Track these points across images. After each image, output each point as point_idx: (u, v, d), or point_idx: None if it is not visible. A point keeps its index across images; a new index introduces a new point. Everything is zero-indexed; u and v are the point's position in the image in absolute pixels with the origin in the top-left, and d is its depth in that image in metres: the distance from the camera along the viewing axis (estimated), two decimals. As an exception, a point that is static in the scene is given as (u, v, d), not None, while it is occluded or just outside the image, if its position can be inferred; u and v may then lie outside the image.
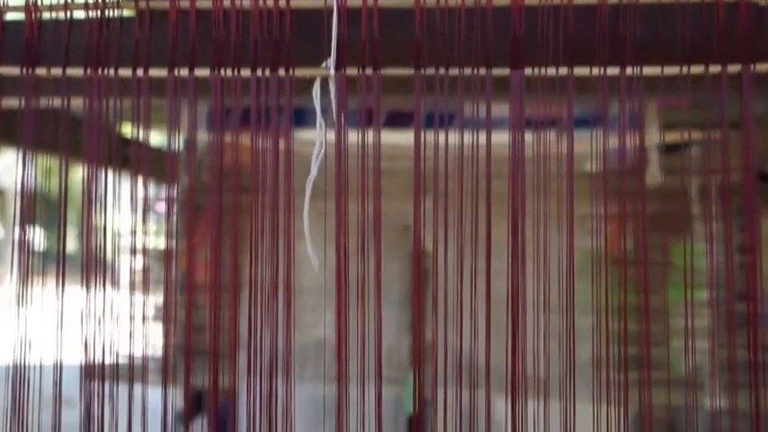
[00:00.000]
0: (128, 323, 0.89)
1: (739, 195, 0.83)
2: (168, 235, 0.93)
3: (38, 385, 0.89)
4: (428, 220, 0.82)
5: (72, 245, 0.90)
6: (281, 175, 0.84)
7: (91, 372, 0.87)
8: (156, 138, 1.16)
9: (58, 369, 0.88)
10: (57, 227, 0.89)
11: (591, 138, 0.84)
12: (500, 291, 0.80)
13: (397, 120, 1.22)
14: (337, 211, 0.80)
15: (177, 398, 0.86)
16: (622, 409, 0.82)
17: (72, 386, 0.89)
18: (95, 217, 0.88)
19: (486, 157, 0.80)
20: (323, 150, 0.82)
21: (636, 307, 0.83)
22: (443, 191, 0.80)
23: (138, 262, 0.93)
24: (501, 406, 0.82)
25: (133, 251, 0.91)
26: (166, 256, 0.90)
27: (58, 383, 0.88)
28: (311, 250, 0.81)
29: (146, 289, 0.90)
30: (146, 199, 0.93)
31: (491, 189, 0.79)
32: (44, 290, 0.91)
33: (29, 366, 0.88)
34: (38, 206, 0.91)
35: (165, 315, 0.89)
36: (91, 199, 0.88)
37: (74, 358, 0.89)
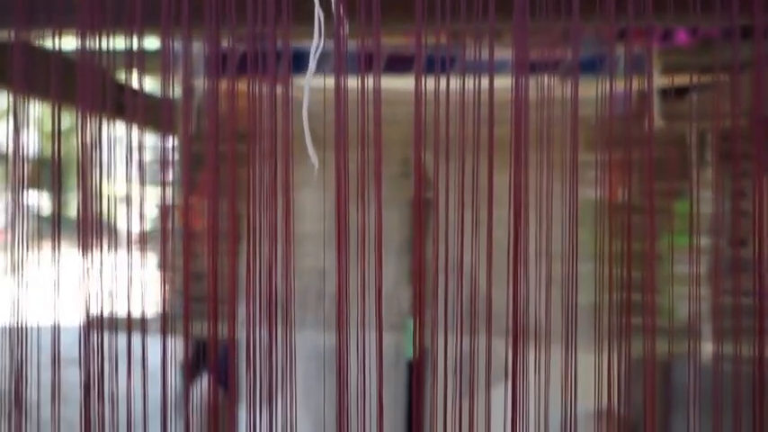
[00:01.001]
0: (126, 272, 0.89)
1: (739, 141, 0.82)
2: (164, 184, 0.92)
3: (40, 346, 0.89)
4: (429, 167, 0.81)
5: (73, 207, 0.89)
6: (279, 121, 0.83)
7: (91, 325, 0.87)
8: (152, 85, 1.14)
9: (57, 329, 0.88)
10: (51, 179, 0.88)
11: (594, 82, 0.83)
12: (501, 239, 0.80)
13: (397, 65, 1.21)
14: (336, 153, 0.79)
15: (178, 349, 0.86)
16: (624, 353, 0.83)
17: (72, 347, 0.89)
18: (90, 165, 0.87)
19: (488, 101, 0.78)
20: (320, 47, 0.79)
21: (637, 254, 0.83)
22: (444, 137, 0.79)
23: (137, 214, 0.92)
24: (502, 352, 0.82)
25: (130, 201, 0.90)
26: (163, 204, 0.89)
27: (57, 334, 0.88)
28: (311, 149, 0.80)
29: (144, 241, 0.90)
30: (142, 148, 0.92)
31: (493, 135, 0.79)
32: (45, 252, 0.91)
33: (30, 328, 0.88)
34: (40, 170, 0.90)
35: (163, 263, 0.88)
36: (85, 148, 0.87)
37: (74, 319, 0.88)
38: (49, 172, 0.89)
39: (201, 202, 0.85)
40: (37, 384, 0.89)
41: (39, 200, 0.93)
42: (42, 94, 0.88)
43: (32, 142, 0.93)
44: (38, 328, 0.91)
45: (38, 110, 0.92)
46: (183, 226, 0.89)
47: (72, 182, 0.90)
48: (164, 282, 0.92)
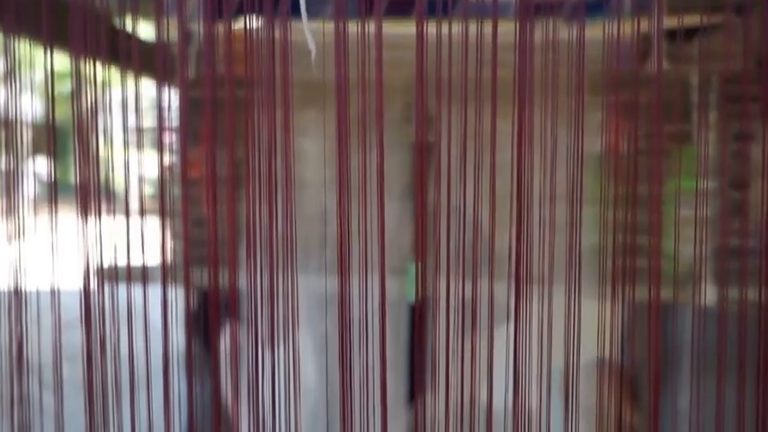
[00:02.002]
0: (125, 220, 0.88)
1: (747, 84, 0.81)
2: (162, 130, 0.91)
3: (40, 309, 0.89)
4: (431, 111, 0.80)
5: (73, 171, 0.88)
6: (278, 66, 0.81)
7: (94, 275, 0.87)
8: (149, 30, 1.12)
9: (58, 292, 0.88)
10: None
11: (600, 24, 0.81)
12: (504, 183, 0.79)
13: (398, 7, 1.18)
14: (338, 97, 0.78)
15: (179, 300, 0.86)
16: (628, 297, 0.83)
17: (74, 310, 0.89)
18: (87, 105, 0.86)
19: (491, 44, 0.77)
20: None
21: (641, 197, 0.83)
22: (446, 81, 0.78)
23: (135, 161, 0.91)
24: (503, 296, 0.82)
25: (128, 146, 0.89)
26: (160, 149, 0.88)
27: (58, 295, 0.88)
28: (309, 35, 0.79)
29: (143, 185, 0.89)
30: (138, 95, 0.90)
31: (496, 78, 0.77)
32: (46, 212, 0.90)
33: (31, 292, 0.88)
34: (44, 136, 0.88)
35: (161, 208, 0.88)
36: (80, 91, 0.85)
37: (76, 281, 0.88)
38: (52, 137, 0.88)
39: (202, 149, 0.84)
40: (38, 347, 0.89)
41: (42, 166, 0.92)
42: (34, 35, 0.86)
43: (34, 107, 0.92)
44: (38, 292, 0.91)
45: (38, 74, 0.90)
46: (181, 173, 0.88)
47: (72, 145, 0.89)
48: (163, 228, 0.91)
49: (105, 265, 0.87)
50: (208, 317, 0.83)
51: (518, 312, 0.80)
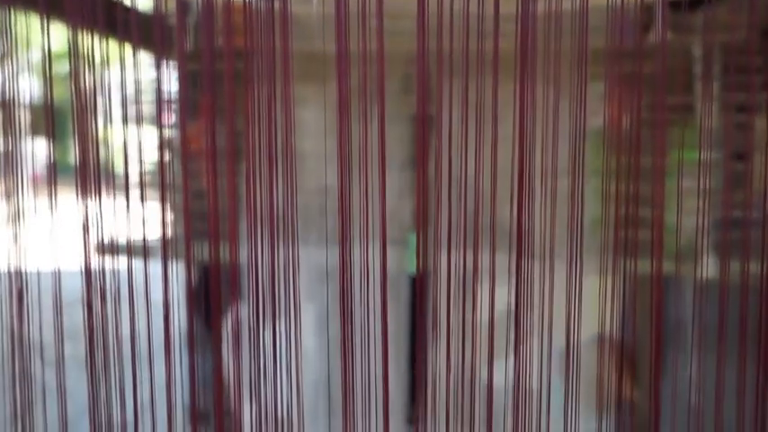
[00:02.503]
0: (125, 195, 0.88)
1: (752, 55, 0.80)
2: (160, 102, 0.90)
3: (41, 290, 0.89)
4: (432, 81, 0.79)
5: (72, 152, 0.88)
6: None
7: (96, 250, 0.86)
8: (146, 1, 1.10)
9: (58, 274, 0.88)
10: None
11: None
12: (506, 155, 0.79)
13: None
14: (339, 70, 0.77)
15: (180, 275, 0.86)
16: (629, 269, 0.82)
17: (75, 290, 0.88)
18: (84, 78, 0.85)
19: (493, 14, 0.76)
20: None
21: (643, 169, 0.82)
22: (448, 50, 0.77)
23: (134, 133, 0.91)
24: (505, 269, 0.82)
25: (125, 120, 0.89)
26: (159, 122, 0.87)
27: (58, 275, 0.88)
28: None
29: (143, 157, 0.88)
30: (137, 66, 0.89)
31: (498, 48, 0.76)
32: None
33: (32, 272, 0.88)
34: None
35: (161, 181, 0.87)
36: (77, 63, 0.84)
37: (76, 262, 0.88)
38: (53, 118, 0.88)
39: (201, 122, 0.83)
40: (39, 326, 0.89)
41: (40, 146, 0.92)
42: (29, 5, 0.85)
43: (31, 88, 0.91)
44: (38, 273, 0.91)
45: (36, 54, 0.89)
46: (181, 146, 0.88)
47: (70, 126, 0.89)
48: (163, 201, 0.91)
49: (106, 241, 0.87)
50: (209, 291, 0.84)
51: (519, 285, 0.80)
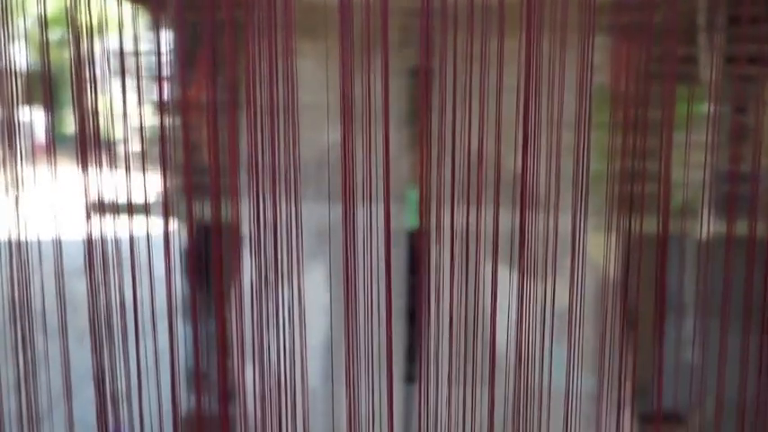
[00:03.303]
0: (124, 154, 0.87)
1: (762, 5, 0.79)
2: (158, 54, 0.88)
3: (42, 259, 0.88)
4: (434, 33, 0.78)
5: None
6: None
7: (95, 209, 0.85)
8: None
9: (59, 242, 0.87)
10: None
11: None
12: (510, 108, 0.78)
13: None
14: (341, 18, 0.75)
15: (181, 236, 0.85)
16: (634, 226, 0.82)
17: (77, 258, 0.88)
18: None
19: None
20: None
21: (644, 122, 0.81)
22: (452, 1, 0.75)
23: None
24: (508, 221, 0.81)
25: (123, 73, 0.87)
26: (158, 75, 0.86)
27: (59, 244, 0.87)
28: None
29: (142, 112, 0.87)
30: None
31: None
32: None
33: (32, 241, 0.87)
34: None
35: (161, 136, 0.86)
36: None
37: (77, 231, 0.87)
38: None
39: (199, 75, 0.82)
40: (42, 294, 0.89)
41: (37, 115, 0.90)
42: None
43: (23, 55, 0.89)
44: (39, 242, 0.90)
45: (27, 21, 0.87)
46: (180, 99, 0.86)
47: (67, 96, 0.87)
48: (164, 157, 0.90)
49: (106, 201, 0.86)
50: (209, 251, 0.83)
51: (523, 240, 0.80)
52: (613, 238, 0.88)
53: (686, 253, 0.95)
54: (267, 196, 0.82)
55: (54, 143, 0.87)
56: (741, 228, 0.83)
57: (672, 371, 0.86)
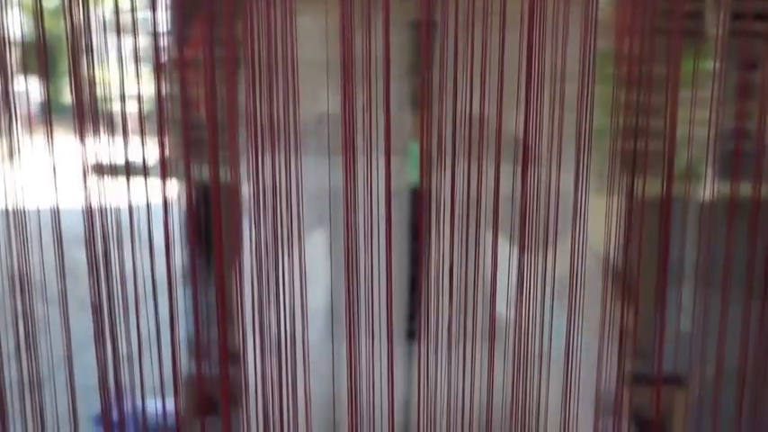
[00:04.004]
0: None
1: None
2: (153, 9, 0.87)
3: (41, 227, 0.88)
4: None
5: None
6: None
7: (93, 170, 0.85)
8: None
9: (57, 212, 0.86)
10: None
11: None
12: (513, 62, 0.76)
13: None
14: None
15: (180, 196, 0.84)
16: (637, 186, 0.81)
17: (76, 227, 0.87)
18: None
19: None
20: None
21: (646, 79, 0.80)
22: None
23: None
24: (509, 177, 0.80)
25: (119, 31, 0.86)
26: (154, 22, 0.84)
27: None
28: None
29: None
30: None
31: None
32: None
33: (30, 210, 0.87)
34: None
35: (158, 93, 0.85)
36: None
37: (76, 199, 0.86)
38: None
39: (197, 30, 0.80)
40: (41, 263, 0.89)
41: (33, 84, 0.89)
42: None
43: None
44: (38, 211, 0.90)
45: None
46: (177, 54, 0.85)
47: (64, 65, 0.86)
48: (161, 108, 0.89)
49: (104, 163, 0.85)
50: (209, 213, 0.82)
51: (525, 196, 0.79)
52: (615, 200, 0.87)
53: (688, 215, 0.94)
54: (266, 154, 0.81)
55: (51, 111, 0.86)
56: (745, 190, 0.82)
57: (673, 334, 0.86)
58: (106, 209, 0.85)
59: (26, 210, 0.87)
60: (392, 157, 0.77)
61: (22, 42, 0.89)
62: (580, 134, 0.81)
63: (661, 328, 0.81)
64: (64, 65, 0.85)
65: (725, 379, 0.86)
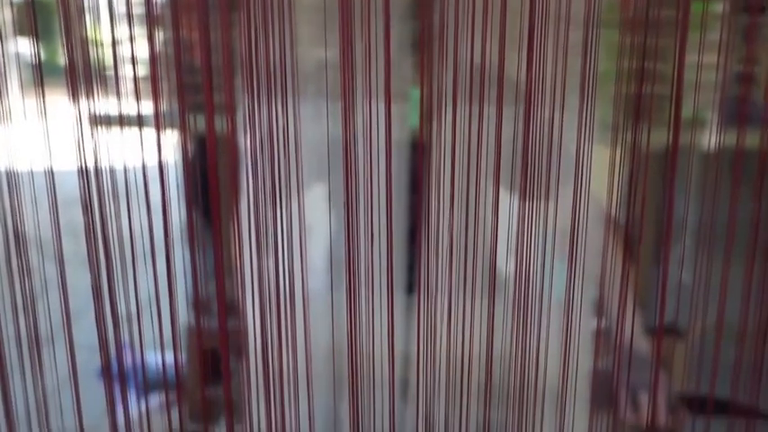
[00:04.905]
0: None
1: None
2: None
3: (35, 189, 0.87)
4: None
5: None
6: None
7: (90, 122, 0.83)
8: None
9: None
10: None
11: None
12: (516, 3, 0.74)
13: None
14: None
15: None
16: (642, 134, 0.79)
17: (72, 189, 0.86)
18: None
19: None
20: None
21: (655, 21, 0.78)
22: None
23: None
24: (511, 124, 0.79)
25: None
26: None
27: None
28: None
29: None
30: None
31: None
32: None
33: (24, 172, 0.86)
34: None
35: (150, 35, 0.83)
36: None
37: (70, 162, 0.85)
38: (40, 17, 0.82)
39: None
40: (37, 223, 0.88)
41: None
42: None
43: None
44: (32, 173, 0.89)
45: None
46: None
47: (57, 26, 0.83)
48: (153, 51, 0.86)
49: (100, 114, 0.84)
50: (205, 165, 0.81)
51: (527, 144, 0.77)
52: (618, 150, 0.85)
53: (693, 167, 0.93)
54: (263, 100, 0.79)
55: (41, 70, 0.84)
56: (752, 140, 0.80)
57: (674, 286, 0.85)
58: (105, 167, 0.84)
59: (28, 171, 0.86)
60: (392, 104, 0.75)
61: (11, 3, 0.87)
62: (584, 80, 0.79)
63: (663, 279, 0.80)
64: (56, 24, 0.83)
65: (725, 331, 0.86)
